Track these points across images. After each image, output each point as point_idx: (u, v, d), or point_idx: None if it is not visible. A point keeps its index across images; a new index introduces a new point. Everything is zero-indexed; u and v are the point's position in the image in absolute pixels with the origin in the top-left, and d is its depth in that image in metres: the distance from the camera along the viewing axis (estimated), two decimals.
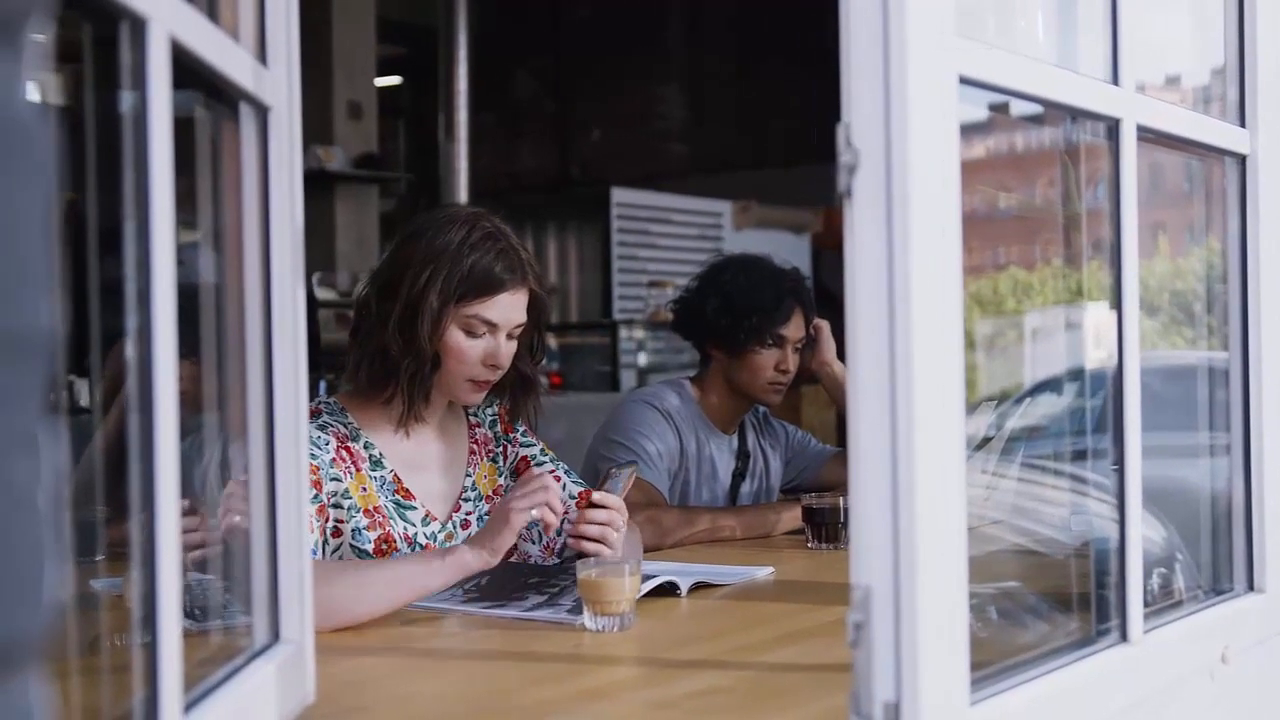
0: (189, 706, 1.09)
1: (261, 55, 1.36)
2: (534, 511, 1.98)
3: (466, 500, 2.33)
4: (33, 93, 0.56)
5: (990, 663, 1.34)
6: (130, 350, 1.02)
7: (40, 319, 0.55)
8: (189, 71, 1.13)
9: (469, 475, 2.35)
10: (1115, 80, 1.53)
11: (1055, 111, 1.61)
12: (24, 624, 0.54)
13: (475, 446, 2.38)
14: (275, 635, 1.38)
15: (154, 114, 1.02)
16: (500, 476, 2.40)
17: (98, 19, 1.01)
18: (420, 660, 1.78)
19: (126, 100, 1.03)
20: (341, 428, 2.20)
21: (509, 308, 2.22)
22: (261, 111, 1.36)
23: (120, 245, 1.04)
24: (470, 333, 2.20)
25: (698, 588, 2.17)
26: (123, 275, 1.03)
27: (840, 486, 2.99)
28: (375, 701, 1.59)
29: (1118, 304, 1.54)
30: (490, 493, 2.37)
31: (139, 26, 1.01)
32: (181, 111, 1.08)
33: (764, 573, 2.35)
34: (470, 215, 2.27)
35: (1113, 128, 1.54)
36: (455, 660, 1.76)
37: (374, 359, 2.20)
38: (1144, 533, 1.55)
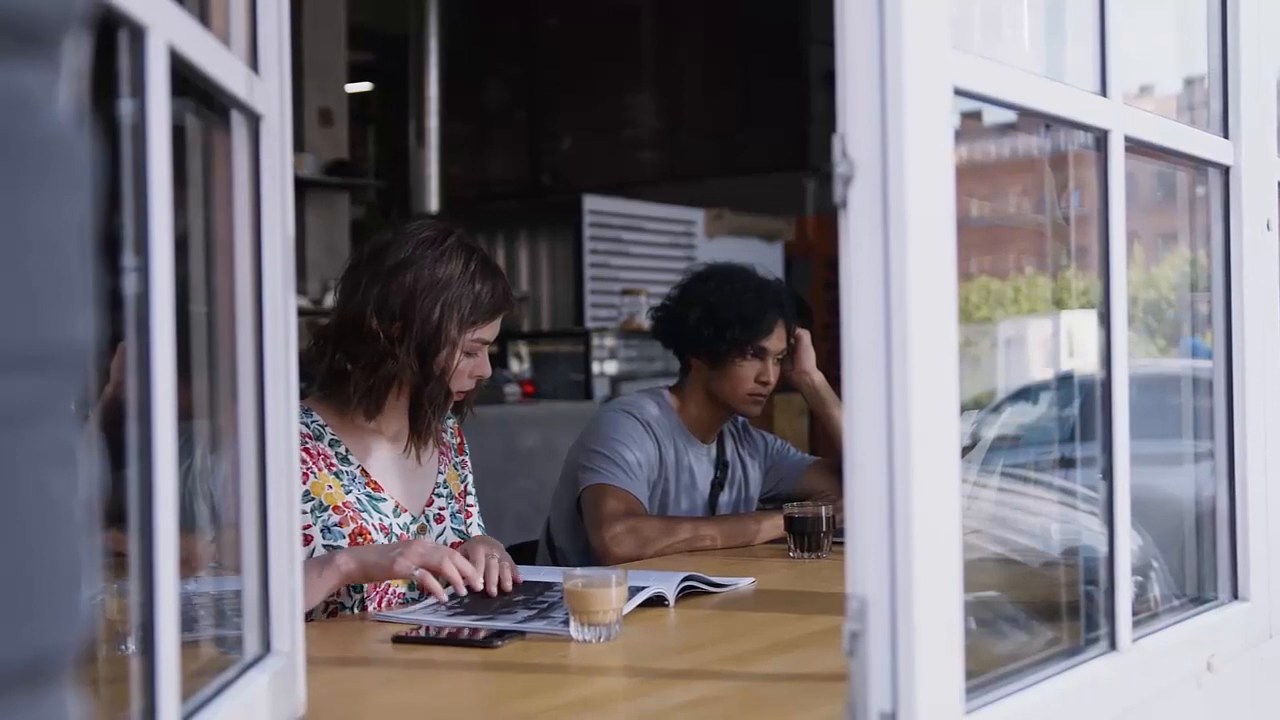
0: (184, 719, 1.08)
1: (254, 64, 1.35)
2: (416, 572, 2.05)
3: (440, 495, 2.41)
4: (71, 104, 0.55)
5: (983, 672, 1.34)
6: (129, 359, 1.01)
7: (78, 332, 0.55)
8: (182, 79, 1.12)
9: (440, 473, 2.44)
10: (1103, 91, 1.54)
11: (1032, 120, 1.62)
12: (63, 636, 0.54)
13: (444, 448, 2.47)
14: (267, 647, 1.37)
15: (153, 122, 1.01)
16: (461, 483, 2.49)
17: (95, 27, 1.00)
18: (409, 672, 1.77)
19: (124, 107, 1.02)
20: (303, 428, 2.22)
21: (499, 326, 2.35)
22: (254, 120, 1.35)
23: (116, 253, 1.03)
24: (470, 354, 2.31)
25: (686, 593, 2.17)
26: (119, 283, 1.02)
27: (819, 495, 3.00)
28: (365, 713, 1.58)
29: (1106, 313, 1.54)
30: (458, 494, 2.46)
31: (138, 34, 1.00)
32: (174, 119, 1.08)
33: (746, 583, 2.36)
34: (459, 241, 2.32)
35: (1101, 139, 1.54)
36: (444, 672, 1.75)
37: (385, 384, 2.26)
38: None
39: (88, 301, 0.56)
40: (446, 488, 2.43)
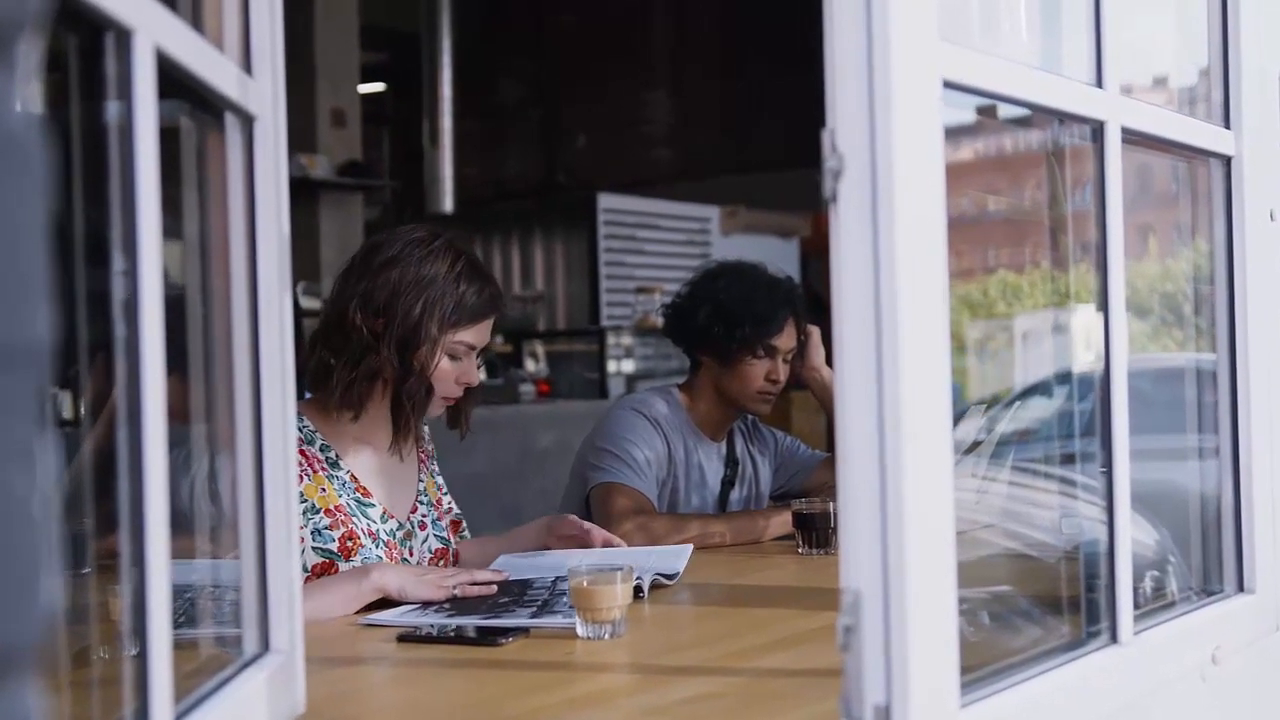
0: (180, 716, 1.09)
1: (246, 65, 1.35)
2: (456, 591, 2.13)
3: (422, 503, 2.44)
4: (27, 104, 0.56)
5: (981, 665, 1.34)
6: (118, 362, 1.02)
7: (38, 330, 0.55)
8: (173, 81, 1.13)
9: (421, 481, 2.47)
10: (1099, 83, 1.53)
11: (1041, 114, 1.61)
12: (23, 632, 0.55)
13: (423, 456, 2.51)
14: (265, 645, 1.37)
15: (140, 124, 1.02)
16: (438, 490, 2.52)
17: (82, 29, 1.01)
18: (410, 670, 1.77)
19: (112, 110, 1.03)
20: (296, 433, 2.23)
21: (487, 332, 2.37)
22: (247, 121, 1.35)
23: (105, 256, 1.03)
24: (453, 357, 2.32)
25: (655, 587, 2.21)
26: (108, 286, 1.02)
27: (830, 491, 2.99)
28: (365, 712, 1.59)
29: (1104, 306, 1.54)
30: (435, 501, 2.49)
31: (124, 37, 1.01)
32: (165, 121, 1.08)
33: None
34: (447, 243, 2.35)
35: (1097, 130, 1.54)
36: (446, 670, 1.75)
37: (366, 380, 2.28)
38: (1136, 536, 1.56)
39: (47, 300, 0.57)
40: (426, 495, 2.47)
